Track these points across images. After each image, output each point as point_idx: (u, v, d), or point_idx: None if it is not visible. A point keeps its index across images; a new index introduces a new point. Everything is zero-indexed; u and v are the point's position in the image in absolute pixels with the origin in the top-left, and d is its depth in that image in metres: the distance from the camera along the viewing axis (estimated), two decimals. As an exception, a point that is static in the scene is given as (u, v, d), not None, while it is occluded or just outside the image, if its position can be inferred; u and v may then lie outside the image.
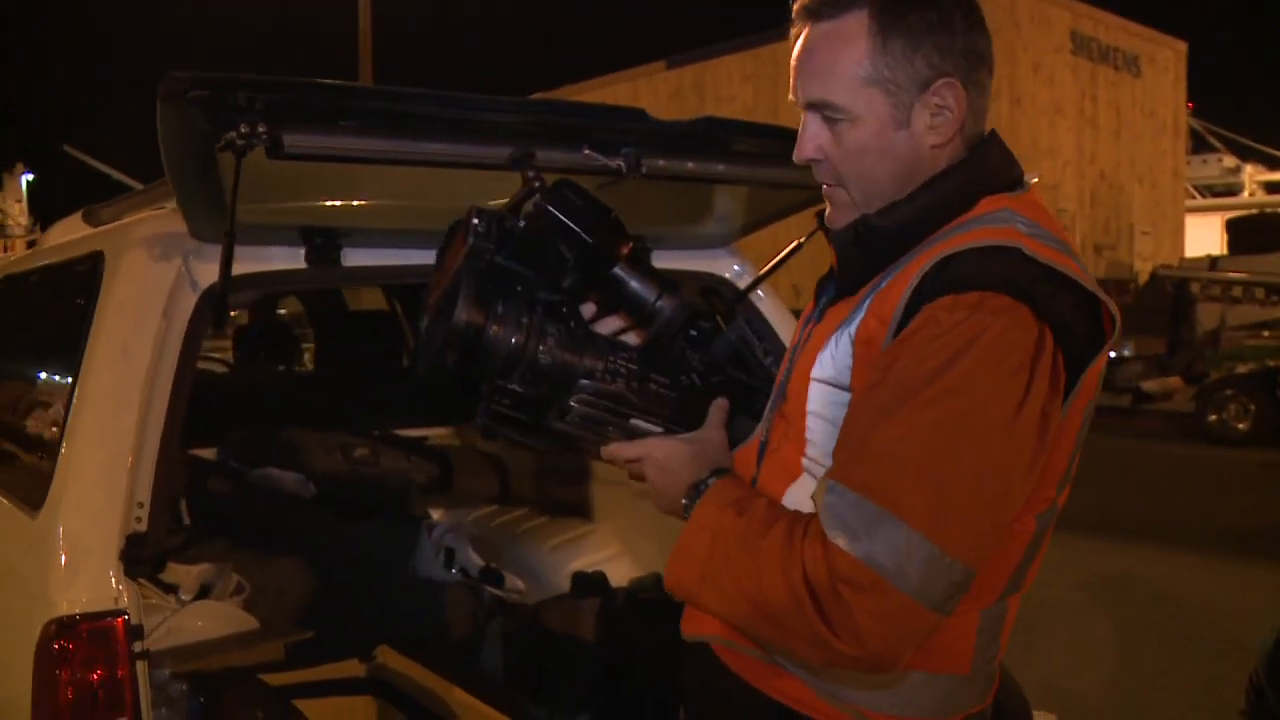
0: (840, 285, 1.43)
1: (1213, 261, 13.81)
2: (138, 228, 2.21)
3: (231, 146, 1.61)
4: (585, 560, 3.62)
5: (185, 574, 2.71)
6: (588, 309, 1.59)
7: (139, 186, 2.79)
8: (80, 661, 1.76)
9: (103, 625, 1.79)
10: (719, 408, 1.55)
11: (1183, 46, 14.75)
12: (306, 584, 2.82)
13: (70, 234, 2.75)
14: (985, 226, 1.31)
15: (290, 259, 2.24)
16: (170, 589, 2.69)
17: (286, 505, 3.28)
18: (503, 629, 2.78)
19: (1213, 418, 12.25)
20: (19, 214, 42.21)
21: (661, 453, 1.49)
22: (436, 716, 2.40)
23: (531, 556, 3.70)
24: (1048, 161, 12.39)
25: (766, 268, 2.97)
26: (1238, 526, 7.78)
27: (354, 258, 2.31)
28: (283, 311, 7.54)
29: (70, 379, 2.01)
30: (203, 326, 2.05)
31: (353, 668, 2.51)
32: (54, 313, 2.51)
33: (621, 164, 2.04)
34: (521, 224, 1.51)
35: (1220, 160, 31.14)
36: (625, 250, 1.54)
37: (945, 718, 1.38)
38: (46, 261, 2.67)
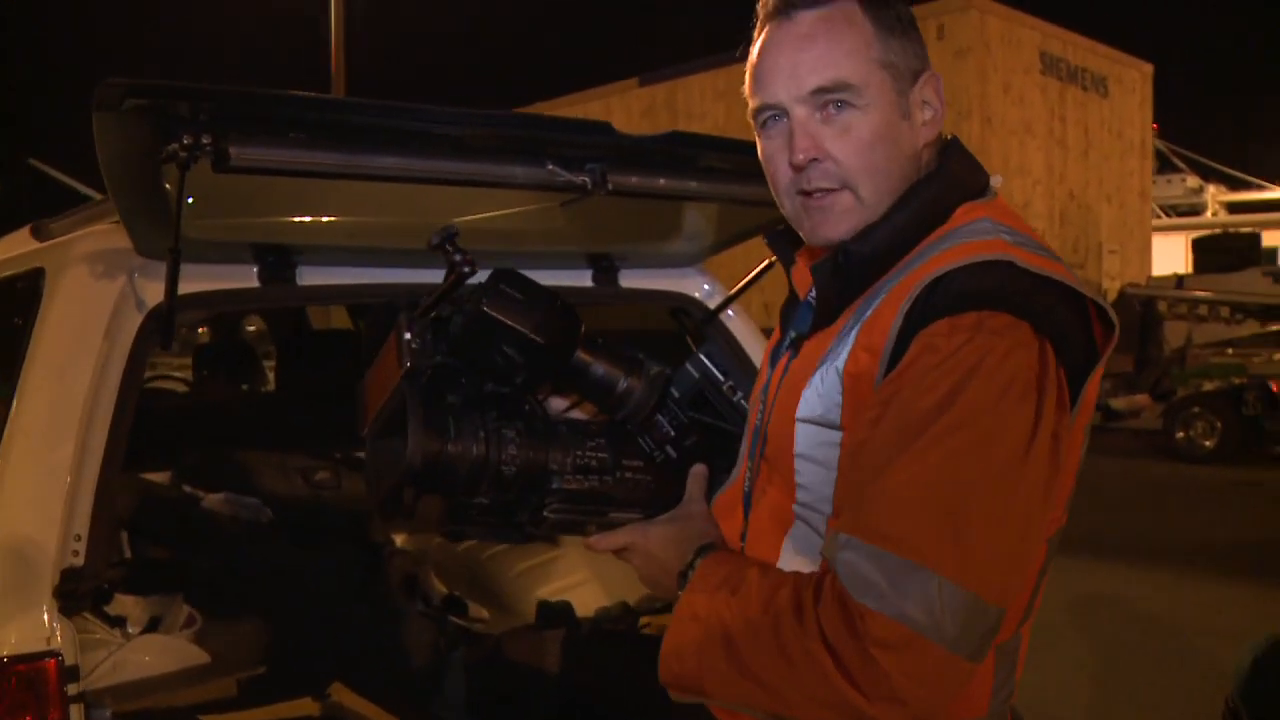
0: (818, 317, 1.34)
1: (1179, 280, 13.95)
2: (81, 243, 2.11)
3: (174, 159, 1.53)
4: (552, 587, 3.53)
5: (133, 605, 2.60)
6: (546, 396, 1.51)
7: (98, 197, 2.68)
8: (9, 707, 1.66)
9: (34, 667, 1.68)
10: (697, 477, 1.46)
11: (1149, 68, 14.89)
12: (261, 615, 2.71)
13: (15, 249, 2.64)
14: (969, 240, 1.24)
15: (242, 277, 2.15)
16: (117, 622, 2.57)
17: (241, 532, 3.17)
18: (465, 660, 2.68)
19: (1180, 435, 12.32)
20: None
21: (643, 540, 1.40)
22: None
23: (496, 583, 3.60)
24: (1018, 180, 12.44)
25: (737, 287, 2.91)
26: (1210, 544, 7.78)
27: (310, 276, 2.22)
28: (251, 329, 7.42)
29: (3, 404, 1.90)
30: (148, 348, 1.96)
31: (306, 706, 2.41)
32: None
33: (587, 180, 1.97)
34: (458, 318, 1.39)
35: (1184, 180, 31.47)
36: (582, 335, 1.43)
37: None
38: (-14, 279, 2.56)
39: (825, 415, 1.26)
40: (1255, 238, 15.89)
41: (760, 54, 1.33)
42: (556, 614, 2.80)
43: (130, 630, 2.54)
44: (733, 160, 2.11)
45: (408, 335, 1.35)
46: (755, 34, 1.35)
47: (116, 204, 1.84)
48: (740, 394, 1.48)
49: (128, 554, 2.73)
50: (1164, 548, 7.77)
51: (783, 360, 1.39)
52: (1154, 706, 4.77)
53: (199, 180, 1.60)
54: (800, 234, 1.39)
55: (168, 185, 1.73)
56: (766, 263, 2.77)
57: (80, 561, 1.77)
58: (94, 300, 1.96)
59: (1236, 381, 12.28)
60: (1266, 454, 12.20)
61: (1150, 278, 14.67)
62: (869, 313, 1.25)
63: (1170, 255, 20.05)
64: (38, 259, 2.19)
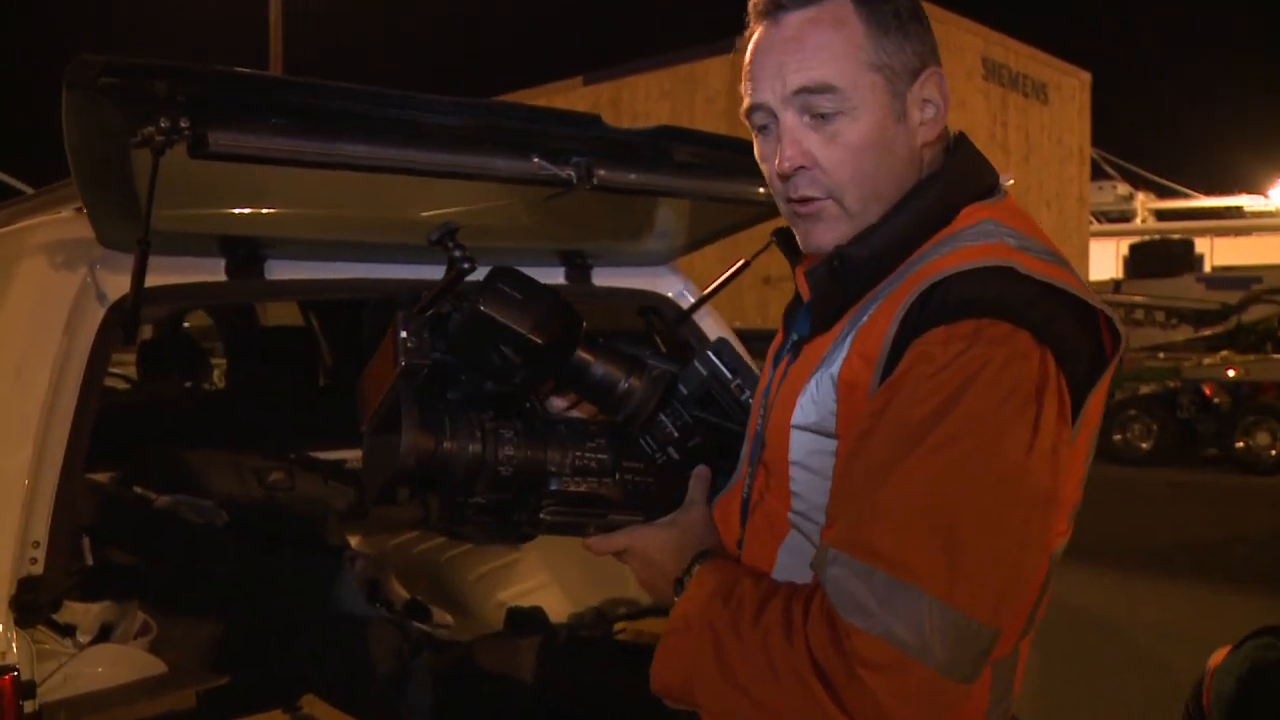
0: (815, 321, 1.30)
1: (1116, 285, 14.22)
2: (35, 233, 2.00)
3: (149, 143, 1.44)
4: (513, 590, 3.46)
5: (83, 613, 2.47)
6: (546, 394, 1.48)
7: (29, 191, 2.56)
8: (-38, 725, 1.56)
9: (-11, 683, 1.58)
10: (699, 480, 1.42)
11: (1087, 76, 15.14)
12: (220, 622, 2.60)
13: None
14: (970, 244, 1.20)
15: (209, 270, 2.05)
16: (66, 631, 2.45)
17: (196, 535, 3.05)
18: (433, 668, 2.60)
19: (1117, 437, 12.57)
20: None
21: (641, 544, 1.36)
22: None
23: (457, 587, 3.53)
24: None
25: (710, 287, 2.86)
26: (1152, 545, 7.92)
27: (279, 270, 2.13)
28: (186, 325, 7.22)
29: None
30: (111, 344, 1.86)
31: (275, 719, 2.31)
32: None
33: (572, 174, 1.91)
34: (457, 316, 1.36)
35: (1115, 188, 32.15)
36: (582, 333, 1.40)
37: None
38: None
39: (820, 423, 1.22)
40: (1189, 244, 16.28)
41: (751, 54, 1.30)
42: (528, 621, 2.72)
43: (81, 639, 2.42)
44: (722, 156, 2.06)
45: (404, 334, 1.31)
46: (748, 32, 1.31)
47: (81, 191, 1.74)
48: (748, 393, 1.44)
49: (90, 560, 2.60)
50: (1106, 549, 7.87)
51: (783, 363, 1.35)
52: (1111, 712, 4.81)
53: (165, 167, 1.51)
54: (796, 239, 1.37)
55: (136, 172, 1.64)
56: (742, 262, 2.74)
57: (39, 570, 1.68)
58: (52, 294, 1.86)
59: (1171, 385, 12.57)
60: (1200, 456, 12.50)
61: (1087, 282, 14.92)
62: (865, 318, 1.21)
63: (1103, 261, 20.45)
64: (-13, 249, 2.08)
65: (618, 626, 2.74)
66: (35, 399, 1.76)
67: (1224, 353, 13.07)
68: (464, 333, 1.35)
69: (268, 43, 16.92)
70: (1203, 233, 23.31)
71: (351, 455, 4.04)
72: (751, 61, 1.29)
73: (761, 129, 1.31)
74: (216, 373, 5.02)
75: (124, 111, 1.43)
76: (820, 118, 1.24)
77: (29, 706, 1.63)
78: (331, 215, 2.17)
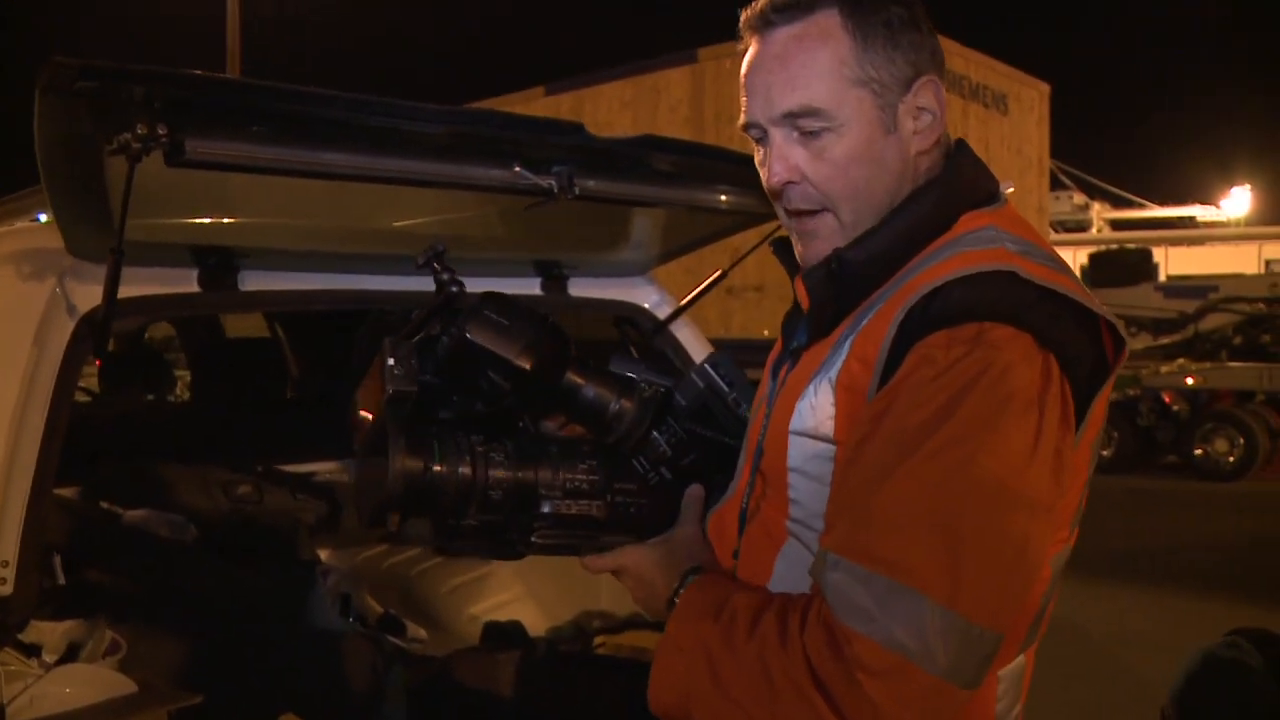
0: (814, 327, 1.29)
1: (1076, 294, 14.33)
2: (2, 242, 1.95)
3: (125, 150, 1.40)
4: (486, 604, 3.43)
5: (50, 632, 2.41)
6: (537, 416, 1.48)
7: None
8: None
9: (-43, 708, 1.53)
10: (692, 500, 1.41)
11: (1046, 87, 15.32)
12: (191, 639, 2.55)
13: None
14: (970, 249, 1.20)
15: (181, 281, 2.01)
16: (32, 651, 2.38)
17: (165, 550, 2.99)
18: (406, 683, 2.56)
19: (1078, 445, 12.66)
20: None
21: (635, 563, 1.36)
22: None
23: (429, 601, 3.49)
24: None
25: (687, 298, 2.85)
26: (1113, 551, 7.96)
27: (253, 281, 2.09)
28: (148, 337, 7.11)
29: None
30: (81, 357, 1.81)
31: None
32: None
33: (553, 183, 1.89)
34: (445, 340, 1.35)
35: (1071, 198, 32.53)
36: (571, 357, 1.40)
37: None
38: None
39: (818, 428, 1.21)
40: (1147, 254, 16.50)
41: (745, 70, 1.31)
42: (503, 634, 2.69)
43: (47, 659, 2.36)
44: (704, 165, 2.05)
45: (390, 361, 1.31)
46: (741, 45, 1.33)
47: (51, 199, 1.69)
48: (744, 407, 1.43)
49: (62, 580, 2.54)
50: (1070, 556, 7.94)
51: (782, 371, 1.35)
52: (1073, 717, 4.83)
53: (138, 174, 1.47)
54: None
55: (109, 179, 1.60)
56: (719, 273, 2.73)
57: (8, 590, 1.63)
58: (20, 305, 1.81)
59: (1131, 393, 12.68)
60: (1159, 463, 12.64)
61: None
62: (864, 323, 1.21)
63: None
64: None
65: (597, 640, 2.71)
66: (3, 415, 1.71)
67: (1180, 360, 13.23)
68: (452, 359, 1.35)
69: (224, 48, 16.77)
70: (1158, 242, 23.62)
71: (320, 468, 4.00)
72: (745, 77, 1.31)
73: (758, 140, 1.33)
74: (180, 384, 4.95)
75: (100, 117, 1.39)
76: (809, 134, 1.26)
77: (-3, 730, 1.57)
78: (306, 225, 2.13)
